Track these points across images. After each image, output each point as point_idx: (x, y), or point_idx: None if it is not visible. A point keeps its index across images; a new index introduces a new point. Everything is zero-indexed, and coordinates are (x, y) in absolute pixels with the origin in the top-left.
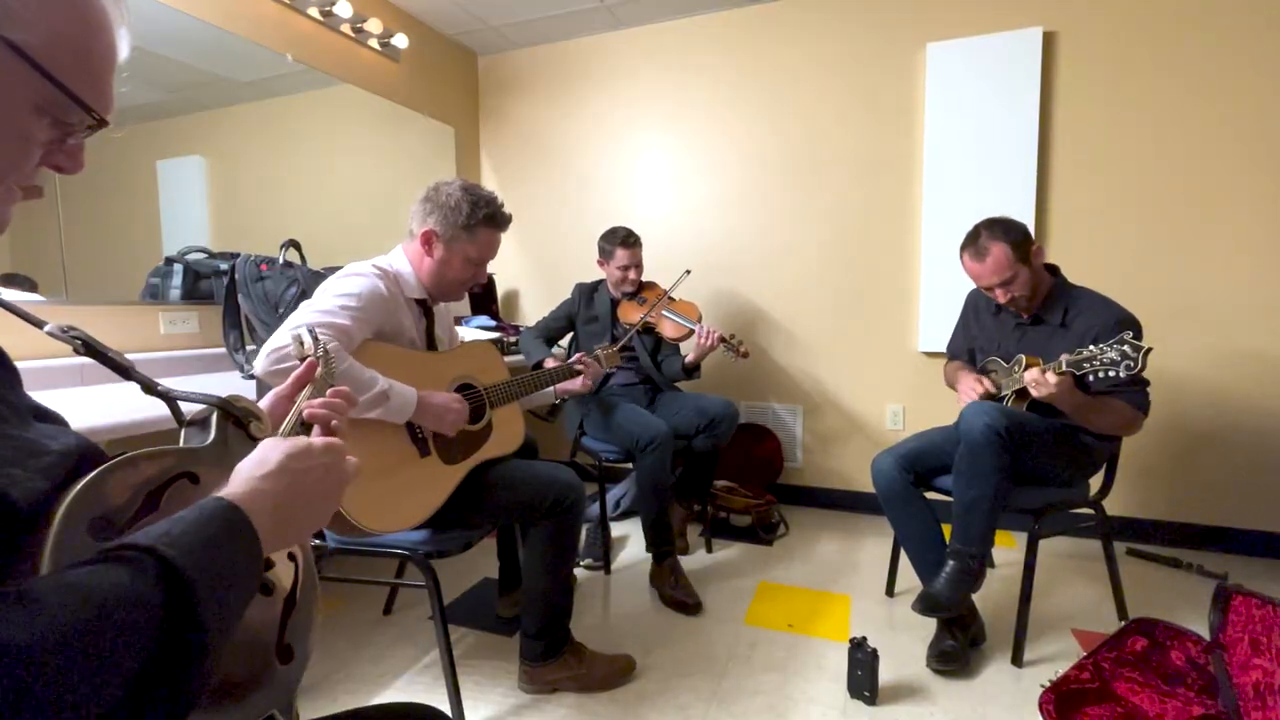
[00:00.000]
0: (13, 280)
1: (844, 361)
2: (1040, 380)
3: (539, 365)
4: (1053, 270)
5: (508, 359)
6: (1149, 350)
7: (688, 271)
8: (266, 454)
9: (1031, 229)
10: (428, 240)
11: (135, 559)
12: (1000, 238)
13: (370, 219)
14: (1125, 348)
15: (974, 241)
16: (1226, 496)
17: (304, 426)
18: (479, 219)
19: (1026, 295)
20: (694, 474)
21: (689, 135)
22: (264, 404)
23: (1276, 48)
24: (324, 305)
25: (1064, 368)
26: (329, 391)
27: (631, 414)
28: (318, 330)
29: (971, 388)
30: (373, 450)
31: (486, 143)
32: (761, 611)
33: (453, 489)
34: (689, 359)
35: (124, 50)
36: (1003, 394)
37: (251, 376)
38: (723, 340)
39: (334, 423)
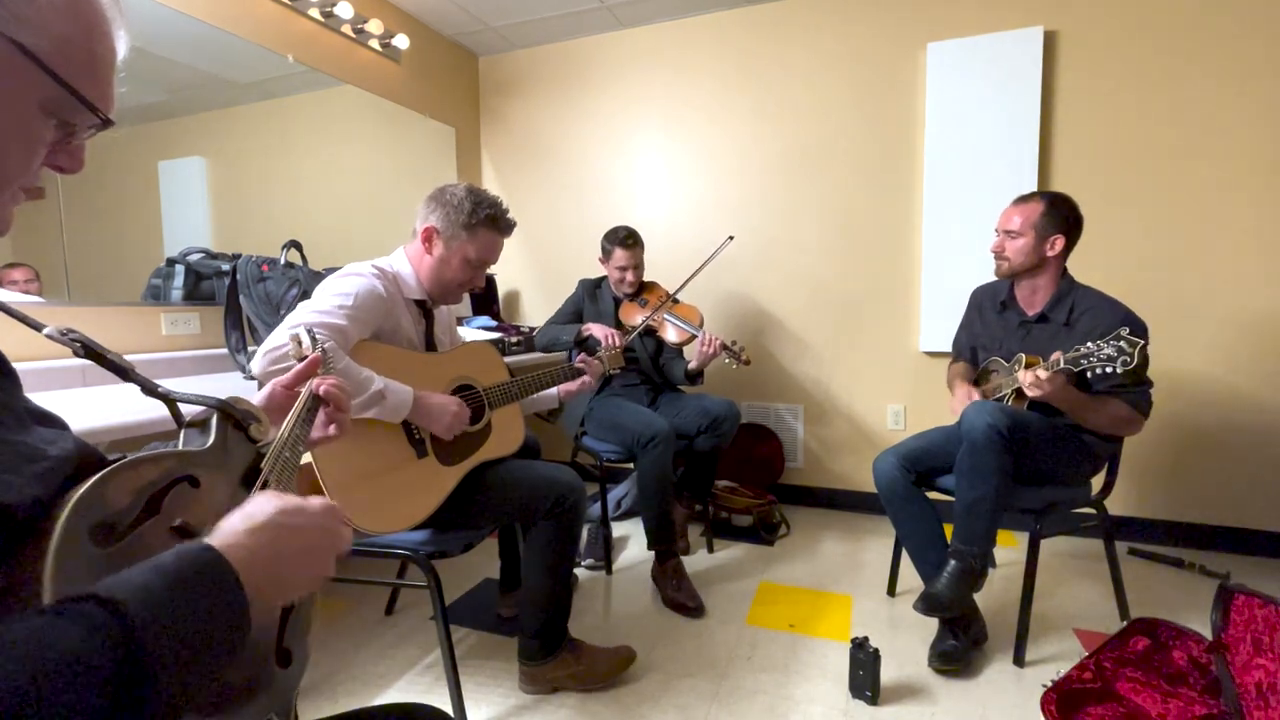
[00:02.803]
0: (18, 265)
1: (845, 361)
2: (1034, 380)
3: (580, 340)
4: (1062, 270)
5: (513, 359)
6: (1144, 346)
7: (731, 237)
8: (257, 507)
9: None
10: (428, 237)
11: (91, 615)
12: (1044, 201)
13: (372, 219)
14: (1121, 344)
15: (1030, 193)
16: (1229, 496)
17: (310, 412)
18: (480, 219)
19: (1012, 263)
20: (695, 474)
21: (689, 135)
22: (263, 392)
23: (1277, 47)
24: (320, 305)
25: (1061, 365)
26: (328, 378)
27: (632, 412)
28: (315, 330)
29: (963, 403)
30: (369, 451)
31: (487, 143)
32: (763, 612)
33: (450, 490)
34: (691, 366)
35: (122, 50)
36: (1003, 394)
37: (252, 377)
38: (724, 347)
39: (337, 416)
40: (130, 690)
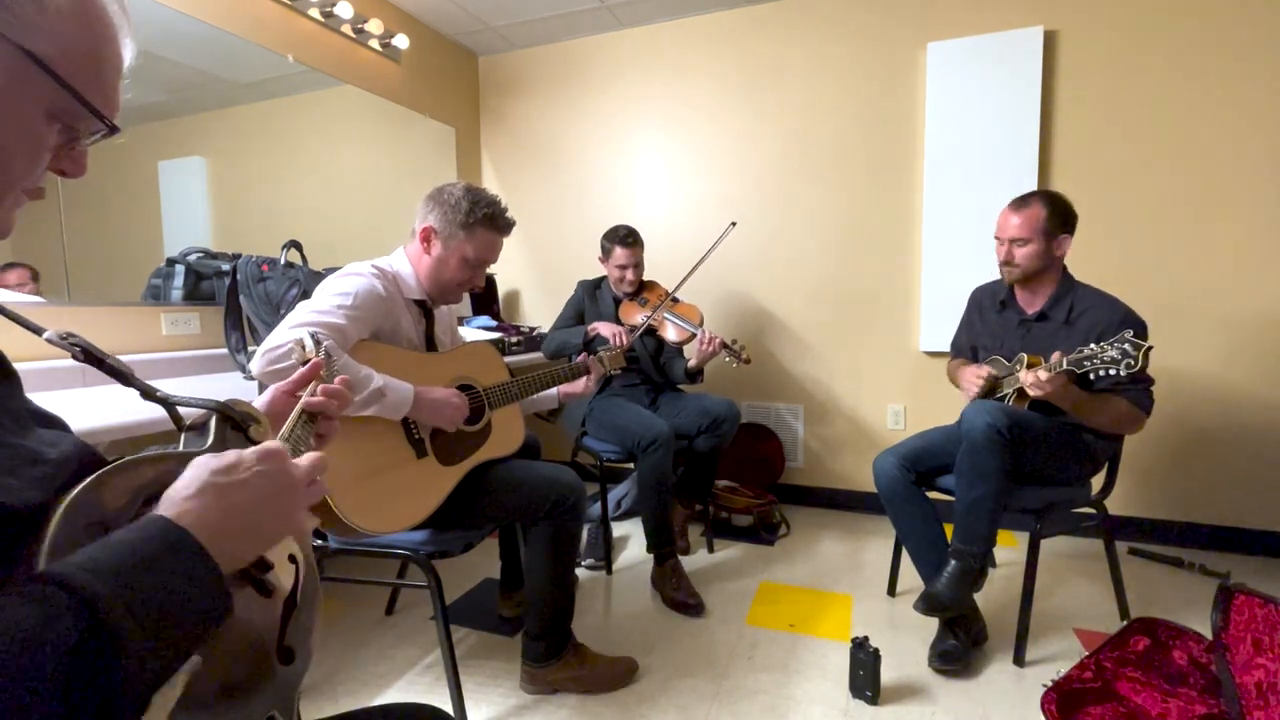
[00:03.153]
0: (13, 268)
1: (845, 361)
2: (1035, 381)
3: (588, 342)
4: (1061, 268)
5: (513, 359)
6: (1149, 349)
7: (733, 224)
8: (190, 473)
9: None
10: (426, 237)
11: (45, 594)
12: (1045, 203)
13: (372, 219)
14: (1126, 346)
15: (1023, 196)
16: (1229, 496)
17: (310, 421)
18: (478, 218)
19: (1023, 269)
20: (695, 474)
21: (689, 135)
22: (264, 398)
23: (1277, 46)
24: (320, 305)
25: (1063, 366)
26: (333, 382)
27: (633, 414)
28: (317, 333)
29: (973, 380)
30: (368, 451)
31: (487, 143)
32: (763, 611)
33: (450, 490)
34: (690, 364)
35: (129, 57)
36: (1004, 393)
37: (253, 377)
38: (724, 346)
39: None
40: (97, 661)
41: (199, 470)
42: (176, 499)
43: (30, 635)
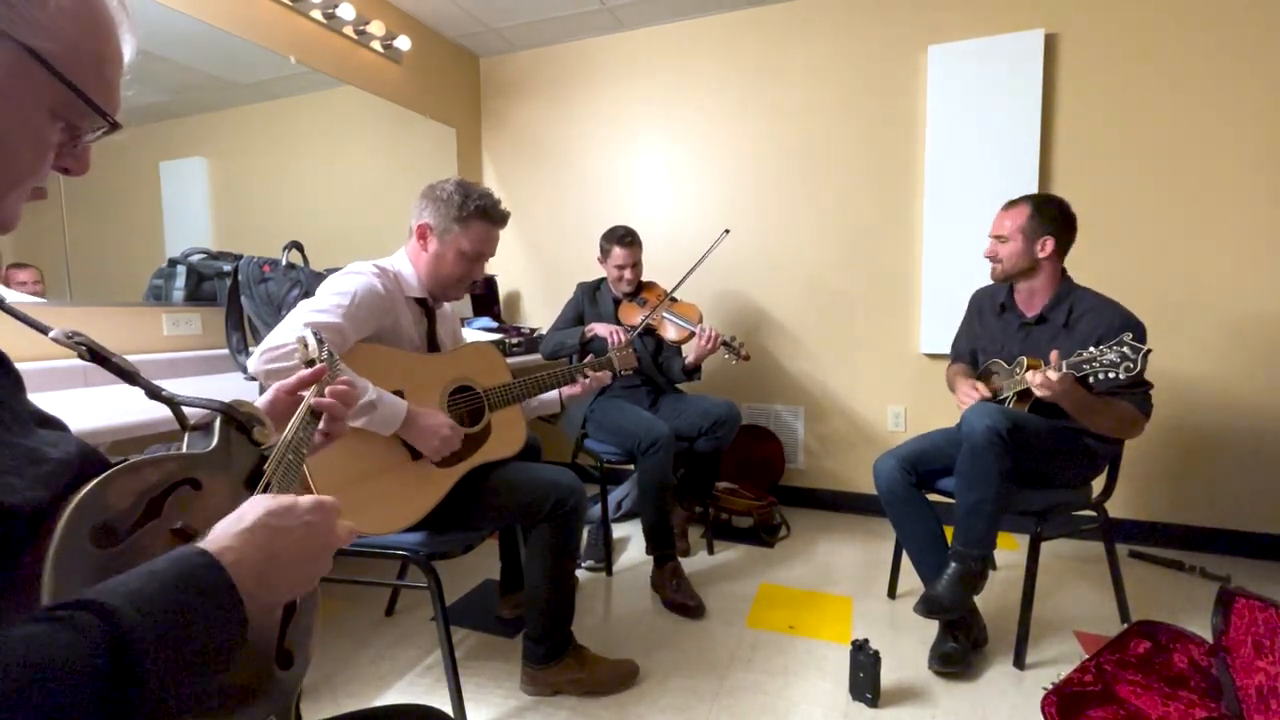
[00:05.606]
0: (24, 267)
1: (846, 363)
2: (1043, 380)
3: (584, 344)
4: (1061, 271)
5: (514, 360)
6: (1148, 352)
7: (727, 231)
8: (246, 510)
9: None
10: (422, 234)
11: (82, 621)
12: (1031, 205)
13: (373, 220)
14: (1125, 349)
15: (1018, 197)
16: (1229, 499)
17: (313, 416)
18: (471, 211)
19: (1004, 266)
20: (696, 475)
21: (690, 137)
22: (266, 396)
23: (1277, 47)
24: (320, 304)
25: (1064, 369)
26: (336, 381)
27: (633, 415)
28: (321, 334)
29: (967, 394)
30: (361, 452)
31: (488, 144)
32: (763, 613)
33: (445, 493)
34: (688, 360)
35: (129, 53)
36: (1004, 396)
37: (253, 378)
38: (724, 343)
39: (331, 425)
40: (121, 693)
41: (256, 507)
42: (226, 534)
43: (60, 664)
